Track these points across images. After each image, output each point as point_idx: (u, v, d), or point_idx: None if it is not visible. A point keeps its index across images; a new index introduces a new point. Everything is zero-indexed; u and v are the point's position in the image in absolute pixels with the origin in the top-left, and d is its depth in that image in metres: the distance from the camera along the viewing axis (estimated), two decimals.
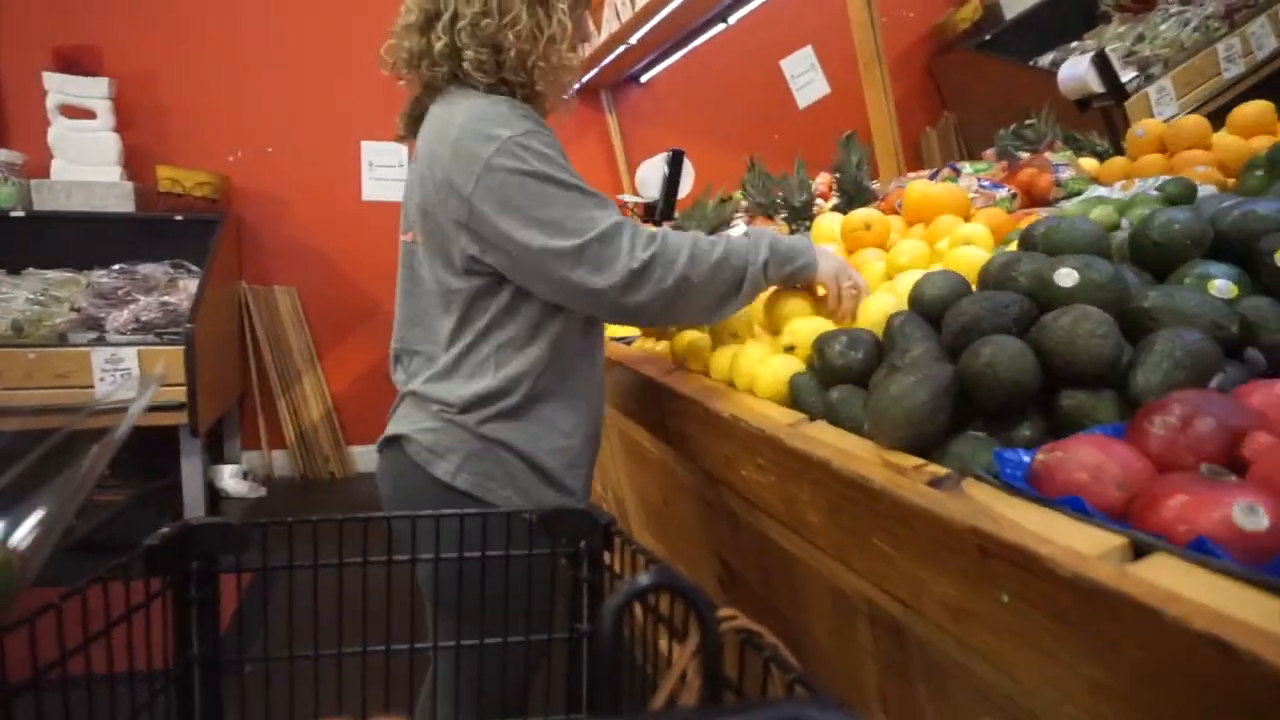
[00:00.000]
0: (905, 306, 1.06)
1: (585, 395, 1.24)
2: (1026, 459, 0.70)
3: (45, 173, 3.73)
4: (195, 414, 3.10)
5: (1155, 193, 1.37)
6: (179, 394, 3.10)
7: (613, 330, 1.92)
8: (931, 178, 2.11)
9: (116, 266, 3.47)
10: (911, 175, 2.36)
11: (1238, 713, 0.45)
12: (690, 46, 4.13)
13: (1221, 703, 0.46)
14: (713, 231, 2.38)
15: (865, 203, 2.78)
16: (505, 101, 1.14)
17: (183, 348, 3.06)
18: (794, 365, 1.08)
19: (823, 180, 3.22)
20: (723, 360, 1.22)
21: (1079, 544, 0.57)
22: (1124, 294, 0.86)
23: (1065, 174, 1.94)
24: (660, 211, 2.13)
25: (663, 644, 0.63)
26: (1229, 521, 0.54)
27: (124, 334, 3.14)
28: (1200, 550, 0.53)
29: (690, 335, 1.37)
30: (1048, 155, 2.06)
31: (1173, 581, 0.51)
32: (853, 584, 0.92)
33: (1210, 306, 0.83)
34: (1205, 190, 1.58)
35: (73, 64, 3.82)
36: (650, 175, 2.15)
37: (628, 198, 2.19)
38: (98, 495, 3.26)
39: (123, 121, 3.87)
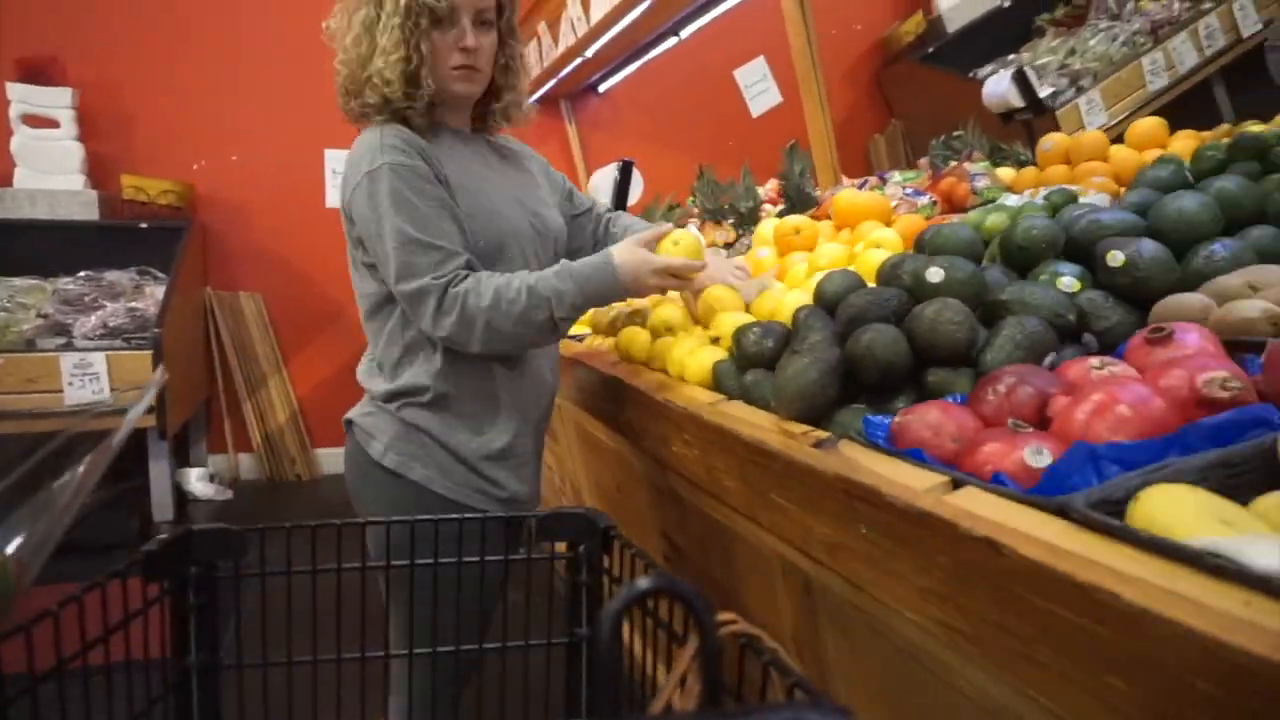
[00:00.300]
0: (812, 301, 1.21)
1: (510, 399, 1.30)
2: (888, 422, 0.86)
3: (8, 181, 3.77)
4: (164, 417, 3.18)
5: (1042, 201, 1.55)
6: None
7: None
8: (860, 187, 2.28)
9: (83, 273, 3.52)
10: (848, 182, 2.54)
11: (1002, 593, 0.61)
12: (645, 58, 4.29)
13: (995, 588, 0.62)
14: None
15: (807, 208, 2.96)
16: (377, 131, 1.24)
17: (150, 352, 3.14)
18: (718, 354, 1.24)
19: (772, 186, 3.40)
20: (659, 352, 1.38)
21: (913, 482, 0.73)
22: (983, 288, 1.02)
23: (981, 183, 2.12)
24: None
25: (662, 648, 0.64)
26: (1021, 461, 0.70)
27: (92, 339, 3.21)
28: (997, 482, 0.69)
29: (632, 331, 1.52)
30: (966, 165, 2.24)
31: (972, 505, 0.67)
32: (764, 540, 1.07)
33: (1053, 299, 0.99)
34: (1100, 199, 1.77)
35: (35, 74, 3.87)
36: (602, 183, 2.30)
37: None
38: None
39: (86, 131, 3.93)
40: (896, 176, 2.40)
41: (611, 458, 1.91)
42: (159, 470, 3.44)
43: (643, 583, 0.45)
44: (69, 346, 3.17)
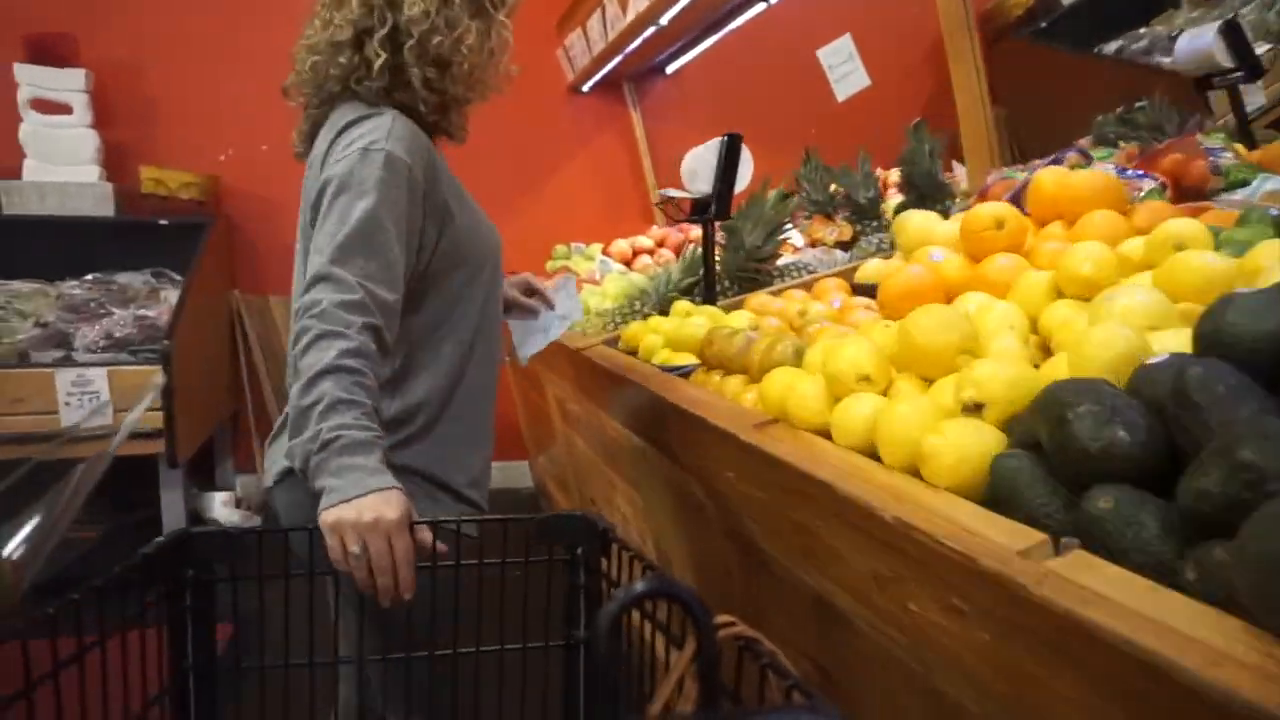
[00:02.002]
0: (1146, 340, 0.68)
1: (487, 418, 1.26)
2: None
3: (17, 173, 3.40)
4: (173, 443, 2.74)
5: None
6: (155, 419, 2.73)
7: (663, 356, 1.54)
8: (1052, 164, 1.71)
9: (90, 276, 3.12)
10: (1018, 167, 1.98)
11: None
12: (724, 31, 3.77)
13: None
14: (770, 235, 2.00)
15: (940, 200, 2.41)
16: (389, 117, 1.14)
17: (159, 368, 2.70)
18: (989, 436, 0.70)
19: (879, 177, 2.87)
20: (854, 417, 0.84)
21: None
22: None
23: (1224, 159, 1.56)
24: (714, 209, 1.75)
25: (660, 651, 0.63)
26: None
27: (93, 352, 2.79)
28: None
29: (789, 376, 0.99)
30: (1198, 137, 1.68)
31: None
32: None
33: None
34: None
35: (46, 54, 3.48)
36: (700, 165, 1.78)
37: (672, 192, 1.81)
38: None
39: (101, 117, 3.53)
40: (1095, 153, 1.84)
41: (731, 545, 1.39)
42: (171, 500, 3.02)
43: (640, 585, 0.48)
44: (67, 360, 2.75)
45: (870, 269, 1.86)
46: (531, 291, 1.47)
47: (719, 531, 1.38)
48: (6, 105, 3.38)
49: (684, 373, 1.41)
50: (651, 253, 3.03)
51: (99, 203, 3.43)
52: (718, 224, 1.90)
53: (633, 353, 1.63)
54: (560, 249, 3.79)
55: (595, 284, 2.56)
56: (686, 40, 3.96)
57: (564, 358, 2.17)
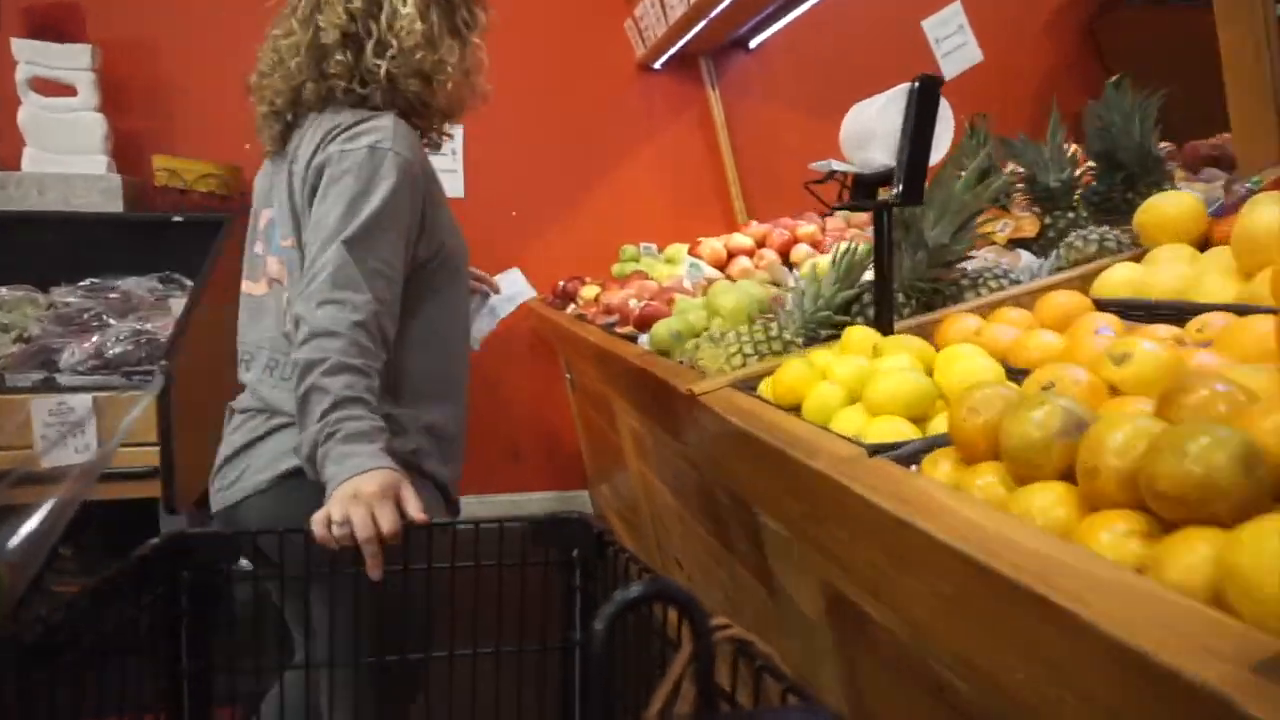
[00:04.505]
0: None
1: (462, 411, 1.32)
2: None
3: (15, 164, 2.99)
4: (172, 485, 2.26)
5: None
6: (150, 456, 2.26)
7: (849, 420, 0.97)
8: None
9: (87, 281, 2.67)
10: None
11: None
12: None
13: None
14: (961, 230, 1.41)
15: (1157, 182, 1.80)
16: (390, 118, 1.21)
17: (154, 395, 2.22)
18: None
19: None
20: None
21: None
22: None
23: None
24: (902, 188, 1.18)
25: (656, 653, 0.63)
26: None
27: (80, 373, 2.32)
28: None
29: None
30: None
31: None
32: None
33: None
34: None
35: (47, 28, 3.05)
36: (875, 126, 1.20)
37: (838, 165, 1.24)
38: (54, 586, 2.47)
39: (110, 100, 3.11)
40: None
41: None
42: None
43: (636, 588, 0.46)
44: (48, 384, 2.29)
45: (1117, 277, 1.27)
46: (473, 278, 1.53)
47: None
48: (3, 86, 2.97)
49: (900, 456, 0.84)
50: (750, 254, 2.45)
51: (106, 197, 3.00)
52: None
53: (793, 409, 1.05)
54: (628, 249, 3.25)
55: (687, 295, 2.00)
56: (774, 8, 3.41)
57: (648, 393, 1.64)
